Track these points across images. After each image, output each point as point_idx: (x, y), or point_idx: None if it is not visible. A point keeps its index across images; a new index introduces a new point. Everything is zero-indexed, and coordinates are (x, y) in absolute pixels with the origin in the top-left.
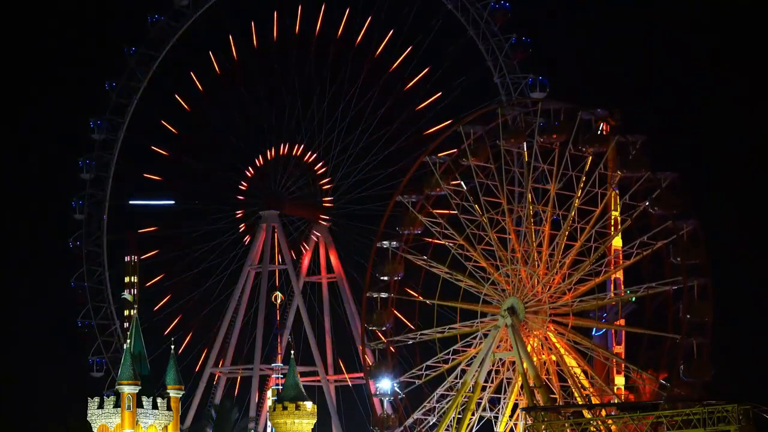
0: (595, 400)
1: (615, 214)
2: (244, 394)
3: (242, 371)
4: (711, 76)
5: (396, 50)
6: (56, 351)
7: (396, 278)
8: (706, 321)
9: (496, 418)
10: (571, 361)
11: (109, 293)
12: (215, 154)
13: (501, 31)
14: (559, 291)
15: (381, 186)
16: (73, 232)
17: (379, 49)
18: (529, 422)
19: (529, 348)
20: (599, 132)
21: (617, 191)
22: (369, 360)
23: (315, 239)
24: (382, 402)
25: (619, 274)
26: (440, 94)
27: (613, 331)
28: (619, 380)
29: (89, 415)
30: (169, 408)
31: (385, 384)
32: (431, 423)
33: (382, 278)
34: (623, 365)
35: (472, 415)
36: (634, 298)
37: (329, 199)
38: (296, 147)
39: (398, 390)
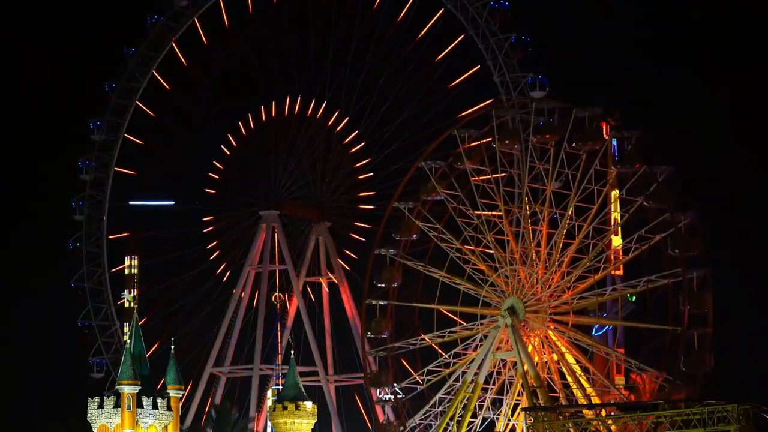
0: (596, 400)
1: (616, 215)
2: (245, 394)
3: (242, 371)
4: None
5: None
6: (56, 351)
7: (394, 285)
8: (707, 312)
9: (499, 419)
10: (572, 359)
11: (109, 294)
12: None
13: (500, 31)
14: (559, 290)
15: (382, 185)
16: (74, 233)
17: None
18: (530, 422)
19: (530, 348)
20: (593, 129)
21: (617, 191)
22: (370, 367)
23: (315, 239)
24: (383, 408)
25: (619, 271)
26: (478, 67)
27: (613, 332)
28: (619, 381)
29: (89, 415)
30: (169, 408)
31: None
32: (433, 428)
33: (380, 285)
34: (623, 366)
35: (474, 416)
36: (634, 298)
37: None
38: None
39: (398, 390)
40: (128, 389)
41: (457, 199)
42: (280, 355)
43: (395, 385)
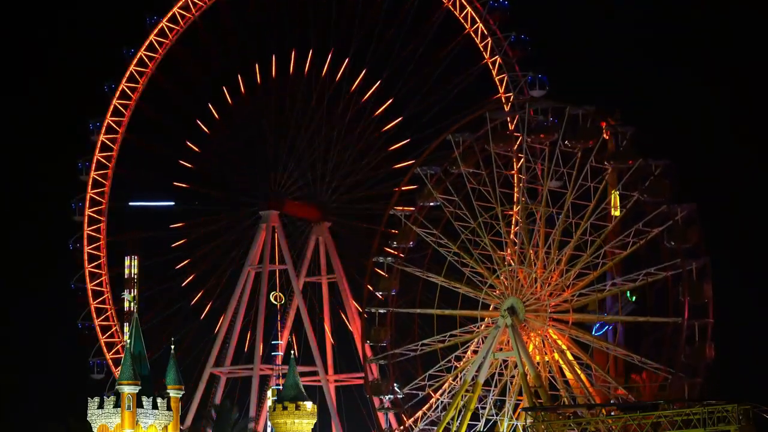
0: (596, 400)
1: (616, 214)
2: (245, 394)
3: (242, 371)
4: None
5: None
6: (56, 351)
7: (393, 293)
8: (707, 302)
9: (502, 420)
10: (572, 358)
11: (110, 295)
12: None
13: (500, 30)
14: (558, 288)
15: (382, 185)
16: (73, 234)
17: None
18: (530, 422)
19: (531, 347)
20: (587, 127)
21: (617, 192)
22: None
23: (315, 239)
24: (386, 415)
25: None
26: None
27: (613, 332)
28: (620, 382)
29: (89, 415)
30: (169, 408)
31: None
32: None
33: (377, 294)
34: (622, 368)
35: (478, 418)
36: (634, 298)
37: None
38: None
39: (398, 389)
40: (128, 389)
41: (453, 204)
42: (280, 355)
43: (395, 385)
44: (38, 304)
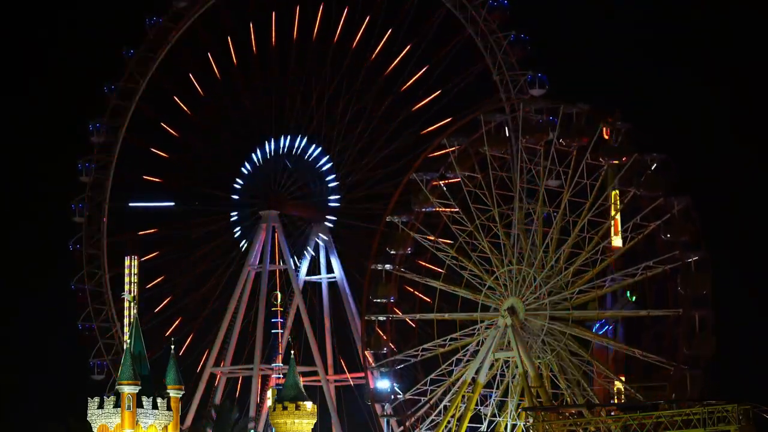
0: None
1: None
2: (245, 394)
3: (242, 371)
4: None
5: (395, 50)
6: (56, 351)
7: (391, 300)
8: (706, 293)
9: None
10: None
11: (110, 296)
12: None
13: (499, 29)
14: (558, 286)
15: (383, 184)
16: (73, 234)
17: (377, 50)
18: (530, 422)
19: (531, 347)
20: (581, 125)
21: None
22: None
23: (315, 239)
24: (387, 421)
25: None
26: (439, 92)
27: (613, 332)
28: (619, 383)
29: (89, 415)
30: (169, 408)
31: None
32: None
33: (376, 301)
34: (622, 369)
35: (480, 420)
36: (634, 298)
37: (335, 197)
38: (298, 139)
39: (397, 390)
40: (128, 389)
41: (450, 208)
42: (280, 355)
43: (395, 385)
44: (38, 304)
